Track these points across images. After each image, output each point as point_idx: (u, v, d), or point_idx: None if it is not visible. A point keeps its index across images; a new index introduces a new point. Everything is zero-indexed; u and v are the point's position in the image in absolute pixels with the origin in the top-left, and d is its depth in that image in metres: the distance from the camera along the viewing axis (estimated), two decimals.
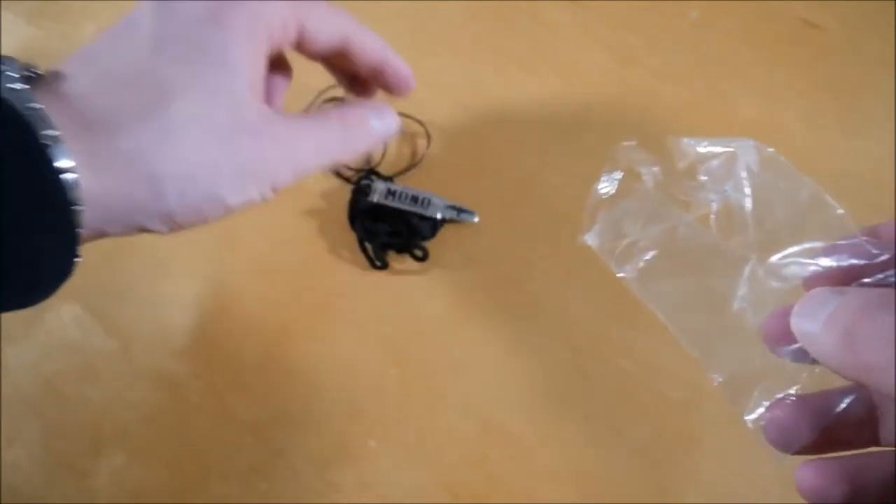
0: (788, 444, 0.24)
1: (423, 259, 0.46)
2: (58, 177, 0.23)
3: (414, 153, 0.51)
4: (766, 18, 0.56)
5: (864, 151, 0.49)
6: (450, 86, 0.54)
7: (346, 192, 0.49)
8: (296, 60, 0.34)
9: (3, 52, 0.65)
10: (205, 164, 0.26)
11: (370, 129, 0.33)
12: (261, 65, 0.28)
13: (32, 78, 0.26)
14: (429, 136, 0.51)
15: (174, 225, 0.26)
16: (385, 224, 0.47)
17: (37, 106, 0.23)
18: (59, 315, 0.47)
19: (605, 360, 0.43)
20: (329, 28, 0.31)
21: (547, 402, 0.42)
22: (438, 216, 0.47)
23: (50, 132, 0.23)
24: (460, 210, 0.47)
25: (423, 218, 0.47)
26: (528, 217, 0.48)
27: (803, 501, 0.40)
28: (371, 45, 0.34)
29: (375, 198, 0.47)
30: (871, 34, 0.54)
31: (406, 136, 0.52)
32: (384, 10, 0.58)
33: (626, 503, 0.39)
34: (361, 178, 0.49)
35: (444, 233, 0.48)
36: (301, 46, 0.31)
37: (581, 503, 0.39)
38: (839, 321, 0.19)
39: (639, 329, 0.44)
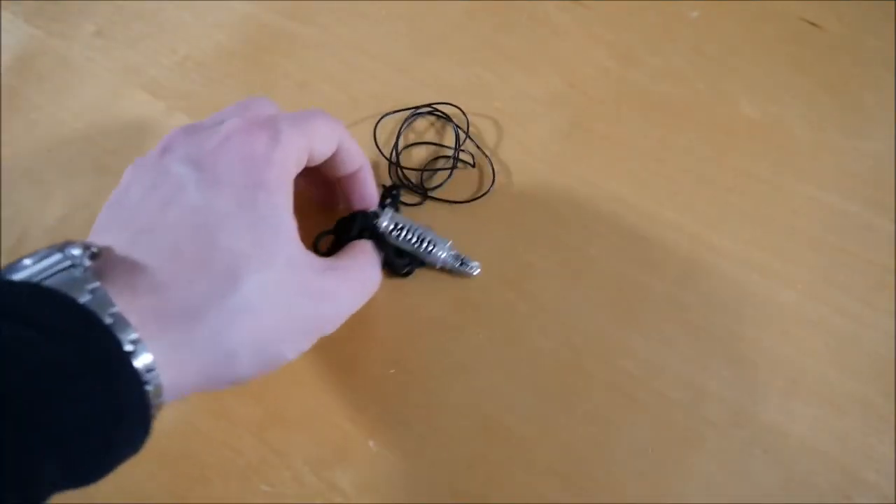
0: None
1: (405, 275, 0.45)
2: (138, 377, 0.24)
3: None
4: (767, 18, 0.56)
5: (864, 151, 0.49)
6: (450, 86, 0.54)
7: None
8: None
9: (3, 52, 0.65)
10: (273, 330, 0.27)
11: (377, 272, 0.37)
12: (292, 209, 0.30)
13: (95, 254, 0.26)
14: (458, 138, 0.51)
15: (239, 383, 0.28)
16: None
17: (115, 310, 0.23)
18: None
19: (605, 360, 0.43)
20: (330, 142, 0.33)
21: (547, 402, 0.42)
22: (438, 266, 0.44)
23: (131, 336, 0.23)
24: (463, 262, 0.44)
25: (402, 254, 0.43)
26: (528, 217, 0.48)
27: (803, 502, 0.40)
28: (356, 150, 0.36)
29: (383, 225, 0.42)
30: (871, 34, 0.54)
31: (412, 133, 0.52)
32: (384, 10, 0.58)
33: (626, 503, 0.39)
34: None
35: (443, 230, 0.48)
36: (308, 163, 0.33)
37: (581, 503, 0.39)
38: None
39: (639, 329, 0.44)
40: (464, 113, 0.52)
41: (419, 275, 0.46)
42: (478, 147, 0.51)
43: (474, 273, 0.45)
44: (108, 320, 0.23)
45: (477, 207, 0.48)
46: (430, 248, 0.44)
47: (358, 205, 0.39)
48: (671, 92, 0.52)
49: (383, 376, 0.43)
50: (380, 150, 0.51)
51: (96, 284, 0.24)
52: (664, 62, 0.54)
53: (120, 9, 0.60)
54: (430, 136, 0.52)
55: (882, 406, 0.41)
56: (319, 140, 0.32)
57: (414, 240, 0.43)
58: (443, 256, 0.44)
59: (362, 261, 0.36)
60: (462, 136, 0.51)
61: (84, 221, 0.51)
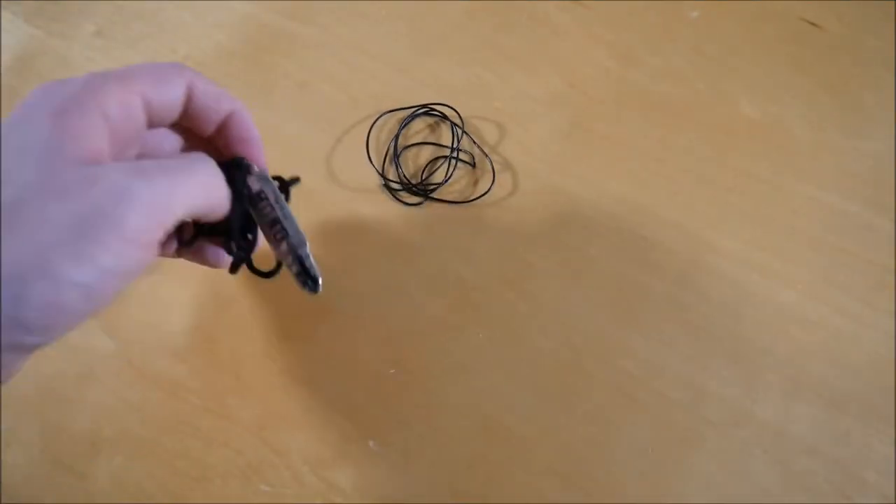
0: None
1: (233, 268, 0.34)
2: None
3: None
4: (767, 18, 0.56)
5: (864, 151, 0.49)
6: (450, 86, 0.54)
7: (342, 193, 0.49)
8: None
9: (3, 52, 0.65)
10: (31, 244, 0.23)
11: (211, 163, 0.30)
12: (93, 140, 0.26)
13: None
14: (457, 133, 0.51)
15: (45, 330, 0.24)
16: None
17: None
18: None
19: (605, 360, 0.43)
20: (168, 85, 0.30)
21: (547, 402, 0.42)
22: (279, 258, 0.33)
23: None
24: (306, 273, 0.33)
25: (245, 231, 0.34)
26: (528, 216, 0.48)
27: (805, 502, 0.40)
28: (218, 92, 0.32)
29: (253, 186, 0.33)
30: (871, 34, 0.54)
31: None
32: (384, 10, 0.58)
33: (626, 503, 0.39)
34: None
35: (443, 230, 0.48)
36: (155, 117, 0.30)
37: (581, 503, 0.39)
38: None
39: (639, 329, 0.44)
40: (458, 114, 0.52)
41: (421, 274, 0.46)
42: (478, 147, 0.51)
43: (317, 289, 0.33)
44: None
45: (477, 207, 0.48)
46: (280, 236, 0.33)
47: (240, 151, 0.33)
48: (671, 92, 0.52)
49: (383, 376, 0.43)
50: (369, 158, 0.51)
51: None
52: (664, 62, 0.54)
53: (120, 9, 0.60)
54: (430, 136, 0.52)
55: (882, 406, 0.41)
56: (150, 83, 0.29)
57: (272, 216, 0.34)
58: (290, 254, 0.33)
59: (187, 155, 0.31)
60: (459, 135, 0.51)
61: None
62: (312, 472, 0.41)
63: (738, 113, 0.51)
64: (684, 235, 0.47)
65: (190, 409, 0.43)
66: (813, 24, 0.55)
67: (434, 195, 0.49)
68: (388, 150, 0.51)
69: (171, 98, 0.30)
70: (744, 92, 0.52)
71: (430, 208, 0.49)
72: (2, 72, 0.57)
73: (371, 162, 0.50)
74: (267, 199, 0.34)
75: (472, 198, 0.48)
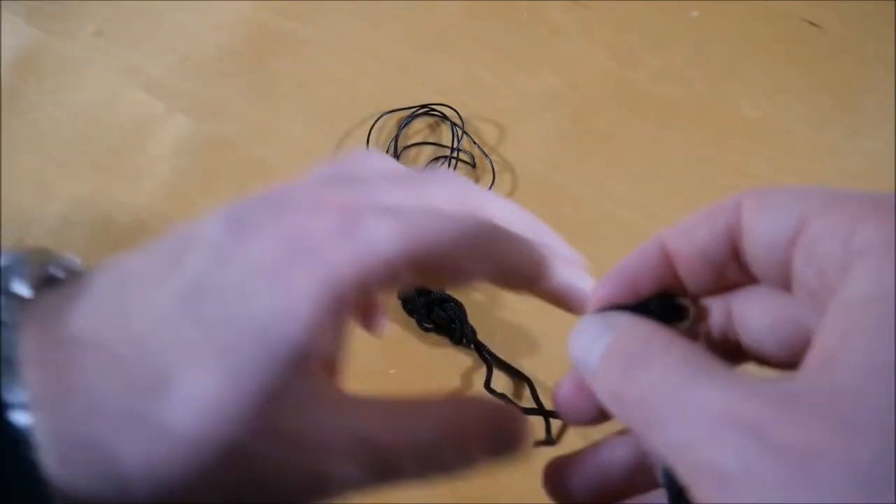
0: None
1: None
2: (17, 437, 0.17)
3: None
4: (767, 18, 0.56)
5: (864, 151, 0.49)
6: (449, 86, 0.54)
7: None
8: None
9: (3, 52, 0.64)
10: (192, 476, 0.18)
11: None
12: (330, 329, 0.21)
13: (52, 279, 0.20)
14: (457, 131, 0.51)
15: None
16: None
17: (12, 353, 0.17)
18: None
19: None
20: (464, 247, 0.21)
21: (547, 402, 0.42)
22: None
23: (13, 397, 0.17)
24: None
25: None
26: None
27: None
28: (526, 253, 0.23)
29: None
30: (871, 34, 0.54)
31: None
32: (384, 10, 0.58)
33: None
34: None
35: None
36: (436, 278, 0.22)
37: None
38: (610, 369, 0.18)
39: None
40: (458, 114, 0.52)
41: None
42: (478, 147, 0.51)
43: None
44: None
45: None
46: None
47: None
48: (671, 92, 0.52)
49: (383, 376, 0.43)
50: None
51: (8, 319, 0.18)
52: (664, 62, 0.54)
53: (120, 9, 0.60)
54: (430, 136, 0.52)
55: None
56: (439, 240, 0.21)
57: None
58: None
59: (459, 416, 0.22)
60: (459, 135, 0.51)
61: (84, 221, 0.51)
62: None
63: (738, 113, 0.51)
64: None
65: None
66: (813, 24, 0.55)
67: None
68: (388, 150, 0.51)
69: (456, 255, 0.22)
70: (744, 92, 0.52)
71: None
72: (2, 72, 0.57)
73: None
74: None
75: None
